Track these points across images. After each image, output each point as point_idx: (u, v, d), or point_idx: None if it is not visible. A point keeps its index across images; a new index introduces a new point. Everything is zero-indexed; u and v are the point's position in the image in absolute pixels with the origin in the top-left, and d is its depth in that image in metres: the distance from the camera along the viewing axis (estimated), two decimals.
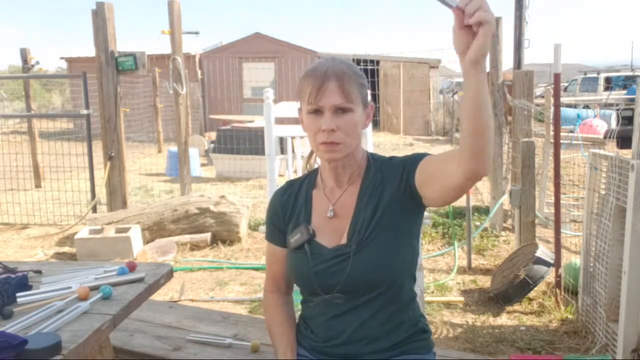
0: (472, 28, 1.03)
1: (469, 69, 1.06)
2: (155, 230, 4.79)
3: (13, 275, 1.64)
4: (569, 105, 10.74)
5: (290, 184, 1.51)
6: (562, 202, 3.37)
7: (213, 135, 10.32)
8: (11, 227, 5.67)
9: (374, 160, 1.42)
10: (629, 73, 15.99)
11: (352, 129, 1.32)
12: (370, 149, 3.00)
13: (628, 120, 3.21)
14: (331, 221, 1.39)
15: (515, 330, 3.03)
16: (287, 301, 1.52)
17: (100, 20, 4.98)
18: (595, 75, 16.11)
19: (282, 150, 7.03)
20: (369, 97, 1.42)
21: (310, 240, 1.37)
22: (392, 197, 1.34)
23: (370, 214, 1.34)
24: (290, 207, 1.45)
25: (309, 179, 1.48)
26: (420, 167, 1.30)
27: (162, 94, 11.94)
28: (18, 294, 1.53)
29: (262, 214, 5.72)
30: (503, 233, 4.78)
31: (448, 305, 3.40)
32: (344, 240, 1.35)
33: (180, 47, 5.50)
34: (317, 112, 1.31)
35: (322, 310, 1.39)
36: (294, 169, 3.24)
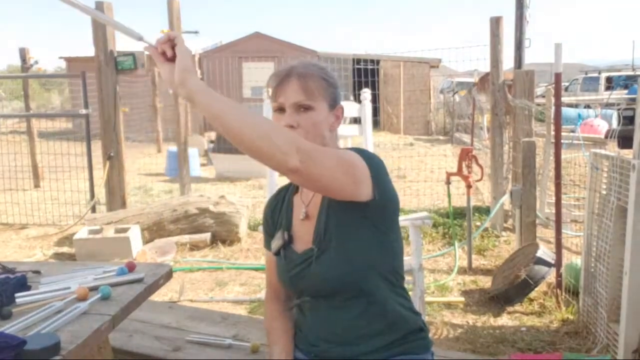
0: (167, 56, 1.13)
1: (181, 93, 1.10)
2: (154, 231, 4.78)
3: (12, 276, 1.64)
4: (569, 105, 10.71)
5: (279, 190, 1.52)
6: (563, 202, 3.36)
7: (213, 135, 10.31)
8: (10, 227, 5.66)
9: None
10: (630, 73, 15.90)
11: (313, 127, 1.30)
12: (371, 149, 2.99)
13: (629, 120, 3.19)
14: (304, 224, 1.39)
15: (516, 330, 3.02)
16: (285, 308, 1.51)
17: None
18: (596, 74, 16.04)
19: None
20: (341, 100, 1.41)
21: (285, 246, 1.39)
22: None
23: (330, 215, 1.32)
24: (277, 213, 1.47)
25: (294, 184, 1.46)
26: None
27: (161, 94, 11.93)
28: (17, 295, 1.52)
29: (261, 214, 5.70)
30: (504, 233, 4.77)
31: (448, 305, 3.39)
32: (310, 244, 1.35)
33: None
34: (281, 110, 1.32)
35: (303, 313, 1.41)
36: None
